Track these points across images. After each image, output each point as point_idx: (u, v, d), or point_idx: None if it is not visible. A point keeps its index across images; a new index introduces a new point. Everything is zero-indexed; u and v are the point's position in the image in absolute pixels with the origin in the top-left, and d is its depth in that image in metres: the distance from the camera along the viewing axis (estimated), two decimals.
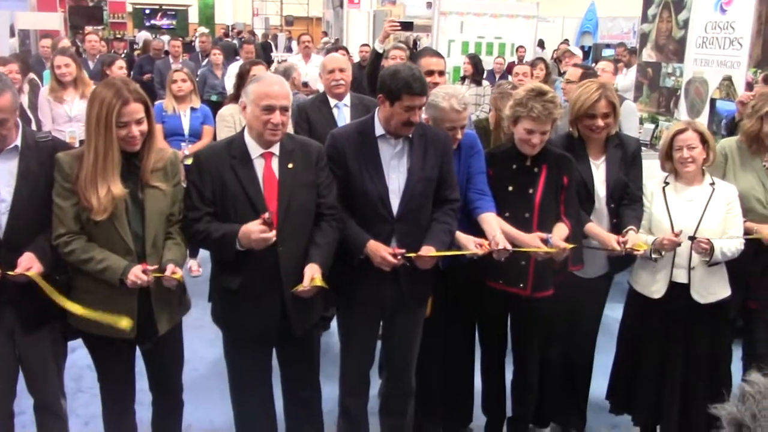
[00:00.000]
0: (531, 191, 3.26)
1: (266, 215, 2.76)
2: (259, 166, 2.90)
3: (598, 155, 3.49)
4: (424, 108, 3.09)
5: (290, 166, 2.92)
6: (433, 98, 3.26)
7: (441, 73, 4.01)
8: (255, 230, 2.76)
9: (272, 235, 2.77)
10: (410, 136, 3.08)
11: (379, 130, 3.08)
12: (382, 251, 2.96)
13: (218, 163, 2.89)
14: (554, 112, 3.14)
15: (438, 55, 4.17)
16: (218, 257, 3.06)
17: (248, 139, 2.92)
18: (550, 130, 3.22)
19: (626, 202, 3.44)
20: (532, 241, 3.14)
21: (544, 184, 3.27)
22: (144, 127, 2.75)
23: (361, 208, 3.06)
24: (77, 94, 5.60)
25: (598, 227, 3.39)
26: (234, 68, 8.33)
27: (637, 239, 3.25)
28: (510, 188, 3.28)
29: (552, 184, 3.28)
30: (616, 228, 3.40)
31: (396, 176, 3.07)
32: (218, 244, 2.91)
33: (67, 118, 5.55)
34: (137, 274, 2.69)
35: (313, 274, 2.85)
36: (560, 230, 3.25)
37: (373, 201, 3.04)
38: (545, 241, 3.13)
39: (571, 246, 3.17)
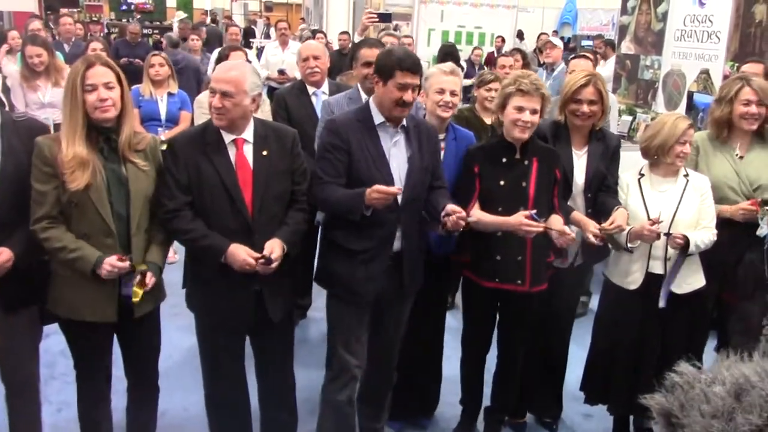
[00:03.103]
0: (524, 184, 3.22)
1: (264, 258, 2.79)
2: (232, 152, 2.87)
3: (581, 146, 3.49)
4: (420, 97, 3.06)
5: (265, 153, 2.89)
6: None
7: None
8: (246, 260, 2.77)
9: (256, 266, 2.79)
10: (405, 125, 3.06)
11: (377, 118, 3.03)
12: (381, 188, 2.83)
13: (193, 150, 2.85)
14: (542, 88, 3.16)
15: (377, 45, 3.98)
16: (197, 258, 3.01)
17: None
18: (540, 112, 3.18)
19: (604, 193, 3.46)
20: (516, 220, 3.09)
21: (537, 177, 3.24)
22: (115, 94, 2.68)
23: None
24: (50, 82, 5.53)
25: (580, 214, 3.40)
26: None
27: (625, 217, 3.24)
28: (501, 182, 3.24)
29: (544, 177, 3.26)
30: (593, 217, 3.40)
31: (396, 165, 3.04)
32: (202, 253, 2.88)
33: (40, 104, 5.48)
34: (112, 263, 2.65)
35: (272, 248, 2.83)
36: (557, 220, 3.23)
37: None
38: (531, 217, 3.06)
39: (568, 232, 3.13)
